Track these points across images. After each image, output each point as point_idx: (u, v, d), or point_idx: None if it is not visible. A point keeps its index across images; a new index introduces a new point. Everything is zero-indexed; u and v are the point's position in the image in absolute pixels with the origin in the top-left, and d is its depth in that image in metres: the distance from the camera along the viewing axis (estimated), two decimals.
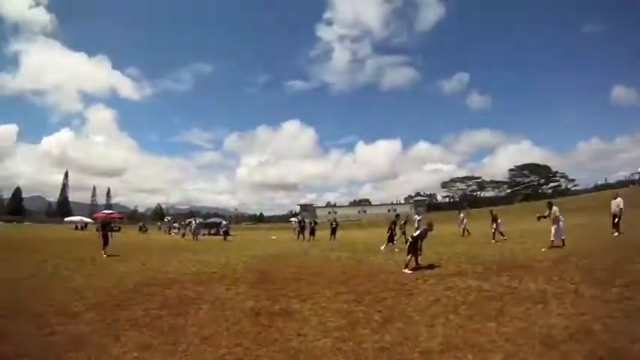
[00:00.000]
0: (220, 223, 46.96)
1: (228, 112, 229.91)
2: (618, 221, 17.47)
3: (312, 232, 32.07)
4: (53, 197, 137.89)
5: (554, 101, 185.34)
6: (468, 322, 6.75)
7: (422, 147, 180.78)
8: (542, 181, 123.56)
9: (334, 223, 32.56)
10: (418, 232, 13.13)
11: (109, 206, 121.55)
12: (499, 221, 20.79)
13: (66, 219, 77.38)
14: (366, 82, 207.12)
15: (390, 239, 19.33)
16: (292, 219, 65.58)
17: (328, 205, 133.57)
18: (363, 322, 7.06)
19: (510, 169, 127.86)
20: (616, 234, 16.92)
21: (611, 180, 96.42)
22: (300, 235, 32.44)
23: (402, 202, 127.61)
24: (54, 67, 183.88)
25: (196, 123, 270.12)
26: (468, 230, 26.56)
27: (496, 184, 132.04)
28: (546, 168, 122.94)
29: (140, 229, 56.28)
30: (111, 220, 31.60)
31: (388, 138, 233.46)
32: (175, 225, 55.18)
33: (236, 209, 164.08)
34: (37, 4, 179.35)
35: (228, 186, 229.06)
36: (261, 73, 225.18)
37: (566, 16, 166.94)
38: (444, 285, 9.80)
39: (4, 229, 52.29)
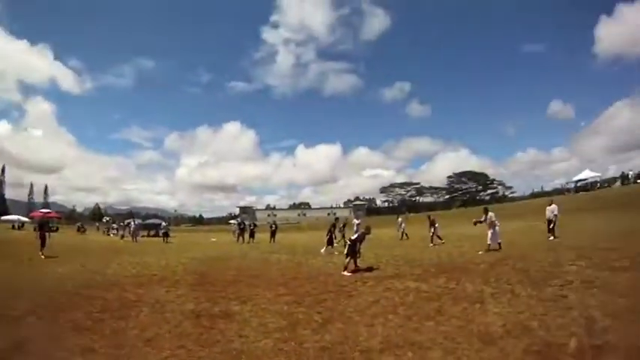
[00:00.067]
0: (160, 224, 46.47)
1: (169, 111, 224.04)
2: (553, 226, 18.53)
3: (252, 235, 32.31)
4: None
5: (494, 113, 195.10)
6: (407, 321, 6.94)
7: (362, 152, 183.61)
8: (480, 188, 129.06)
9: (274, 225, 32.62)
10: (356, 236, 13.47)
11: (46, 205, 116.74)
12: (436, 225, 21.52)
13: (2, 218, 73.50)
14: (308, 86, 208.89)
15: (330, 242, 19.59)
16: (232, 221, 64.77)
17: (268, 207, 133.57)
18: (304, 323, 7.16)
19: (449, 176, 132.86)
20: (551, 238, 17.91)
21: (548, 188, 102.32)
22: (240, 238, 32.28)
23: (342, 206, 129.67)
24: None
25: (136, 120, 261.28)
26: (406, 234, 27.22)
27: (434, 190, 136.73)
28: (484, 175, 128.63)
29: (78, 230, 55.36)
30: (48, 220, 30.50)
31: (328, 143, 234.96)
32: (114, 226, 53.69)
33: (175, 210, 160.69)
34: None
35: (168, 186, 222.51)
36: (204, 73, 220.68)
37: (507, 35, 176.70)
38: (383, 286, 10.06)
39: None
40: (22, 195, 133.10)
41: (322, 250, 19.28)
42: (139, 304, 8.90)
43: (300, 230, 61.29)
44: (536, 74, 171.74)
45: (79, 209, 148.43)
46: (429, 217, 22.68)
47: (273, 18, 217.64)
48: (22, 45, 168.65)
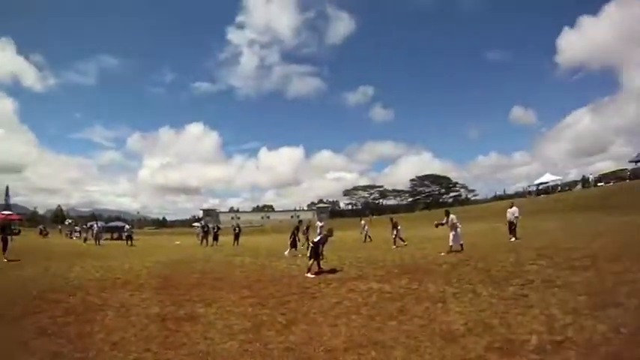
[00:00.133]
0: (123, 227, 45.35)
1: (131, 110, 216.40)
2: (514, 228, 19.10)
3: (216, 238, 32.01)
4: None
5: (457, 118, 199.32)
6: (370, 321, 7.06)
7: (325, 155, 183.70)
8: (443, 190, 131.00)
9: (237, 228, 32.44)
10: (319, 238, 13.52)
11: (7, 207, 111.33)
12: (399, 228, 21.89)
13: None
14: (272, 88, 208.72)
15: (293, 245, 19.58)
16: (195, 224, 63.99)
17: (231, 210, 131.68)
18: (268, 324, 7.28)
19: (412, 179, 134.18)
20: (513, 239, 18.39)
21: (510, 191, 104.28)
22: (204, 241, 32.06)
23: (306, 208, 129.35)
24: None
25: (99, 120, 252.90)
26: (369, 236, 27.51)
27: (398, 192, 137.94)
28: (447, 179, 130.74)
29: (40, 233, 54.34)
30: (10, 222, 29.28)
31: (292, 145, 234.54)
32: (77, 228, 52.71)
33: (138, 212, 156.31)
34: None
35: (130, 188, 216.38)
36: (168, 72, 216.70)
37: (472, 41, 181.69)
38: (346, 288, 10.15)
39: None
40: None
41: (286, 253, 19.28)
42: (104, 308, 8.92)
43: (263, 233, 61.17)
44: (500, 80, 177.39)
45: (40, 211, 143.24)
46: (391, 219, 23.07)
47: (239, 19, 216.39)
48: None
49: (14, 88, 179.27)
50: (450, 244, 15.85)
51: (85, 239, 39.59)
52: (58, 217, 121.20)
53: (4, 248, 18.71)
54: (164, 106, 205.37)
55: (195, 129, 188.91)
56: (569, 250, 13.09)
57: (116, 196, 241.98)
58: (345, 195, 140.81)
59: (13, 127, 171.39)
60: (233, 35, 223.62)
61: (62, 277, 13.61)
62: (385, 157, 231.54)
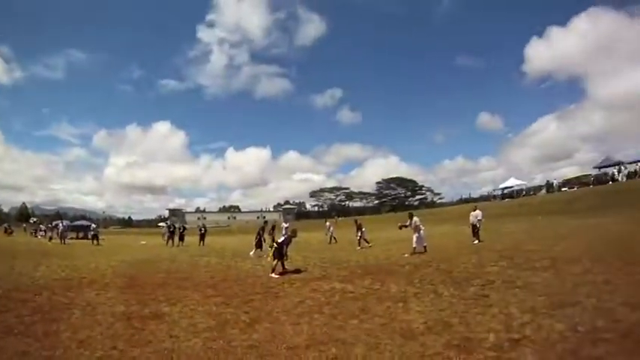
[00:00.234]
0: (89, 226, 45.22)
1: (98, 107, 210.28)
2: (477, 230, 19.54)
3: (182, 238, 31.78)
4: None
5: (424, 121, 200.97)
6: (332, 320, 7.16)
7: (292, 156, 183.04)
8: (409, 193, 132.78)
9: (203, 228, 32.41)
10: (283, 239, 13.77)
11: None
12: (363, 229, 22.24)
13: None
14: (240, 88, 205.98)
15: (259, 245, 19.62)
16: (162, 224, 63.26)
17: (198, 210, 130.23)
18: (232, 323, 7.34)
19: (378, 182, 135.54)
20: (476, 241, 18.82)
21: (475, 195, 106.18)
22: (170, 241, 31.73)
23: (272, 209, 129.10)
24: None
25: (65, 116, 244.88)
26: (335, 238, 27.64)
27: (364, 195, 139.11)
28: (413, 182, 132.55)
29: (5, 231, 54.04)
30: None
31: (259, 146, 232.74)
32: (42, 227, 52.65)
33: (104, 212, 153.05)
34: None
35: (96, 187, 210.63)
36: (136, 69, 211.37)
37: (440, 47, 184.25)
38: (309, 287, 10.31)
39: None
40: None
41: (251, 253, 19.40)
42: (70, 307, 8.93)
43: (229, 233, 60.95)
44: (468, 86, 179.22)
45: (4, 209, 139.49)
46: (355, 221, 23.45)
47: (210, 17, 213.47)
48: None
49: None
50: (414, 245, 16.13)
51: (51, 238, 39.49)
52: (22, 215, 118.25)
53: None
54: (131, 103, 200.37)
55: (162, 127, 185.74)
56: (531, 252, 13.53)
57: (82, 194, 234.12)
58: (311, 196, 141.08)
59: None
60: (203, 33, 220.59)
61: (28, 276, 13.63)
62: (352, 159, 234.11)
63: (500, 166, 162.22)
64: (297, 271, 13.18)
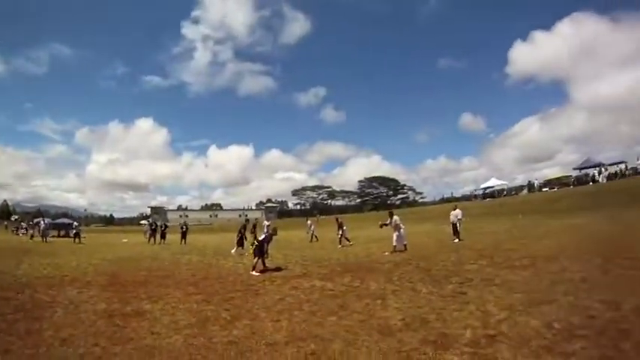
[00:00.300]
0: (71, 224, 45.07)
1: (81, 103, 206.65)
2: (458, 229, 19.73)
3: (163, 236, 31.71)
4: None
5: (407, 121, 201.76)
6: (311, 317, 7.27)
7: (274, 155, 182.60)
8: (391, 192, 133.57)
9: (185, 226, 32.15)
10: (263, 237, 13.80)
11: None
12: (344, 228, 22.35)
13: None
14: (223, 85, 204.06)
15: (240, 243, 19.63)
16: (143, 222, 62.80)
17: (180, 208, 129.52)
18: (213, 320, 7.43)
19: (360, 181, 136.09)
20: (456, 240, 19.04)
21: (457, 194, 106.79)
22: (152, 239, 31.52)
23: (254, 207, 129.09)
24: None
25: (47, 112, 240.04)
26: (316, 236, 27.71)
27: (346, 193, 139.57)
28: (395, 181, 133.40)
29: None
30: None
31: (241, 144, 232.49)
32: (23, 225, 52.04)
33: (86, 210, 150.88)
34: None
35: (78, 184, 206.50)
36: (120, 65, 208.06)
37: (424, 47, 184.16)
38: (289, 285, 10.39)
39: None
40: None
41: (233, 251, 19.47)
42: (52, 305, 8.98)
43: (211, 231, 60.67)
44: (451, 87, 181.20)
45: None
46: (337, 219, 23.48)
47: (195, 13, 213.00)
48: None
49: None
50: (394, 244, 16.28)
51: (32, 236, 39.27)
52: (4, 212, 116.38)
53: None
54: (114, 99, 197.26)
55: (144, 124, 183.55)
56: (511, 250, 13.74)
57: (63, 191, 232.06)
58: (293, 195, 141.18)
59: None
60: (187, 30, 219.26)
61: (10, 274, 13.62)
62: (334, 158, 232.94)
63: (482, 166, 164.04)
64: (278, 268, 13.24)
